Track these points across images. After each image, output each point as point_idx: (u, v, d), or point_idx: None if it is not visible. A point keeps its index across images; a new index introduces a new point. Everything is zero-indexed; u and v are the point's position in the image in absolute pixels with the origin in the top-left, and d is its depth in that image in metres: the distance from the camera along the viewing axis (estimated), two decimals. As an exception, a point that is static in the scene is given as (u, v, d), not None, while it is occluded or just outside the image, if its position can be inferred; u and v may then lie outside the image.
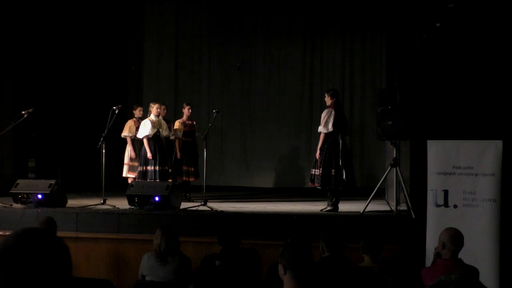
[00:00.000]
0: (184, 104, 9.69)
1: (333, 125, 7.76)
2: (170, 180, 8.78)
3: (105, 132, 8.25)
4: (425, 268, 4.83)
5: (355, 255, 5.30)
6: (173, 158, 9.44)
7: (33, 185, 8.04)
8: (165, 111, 9.66)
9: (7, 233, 7.37)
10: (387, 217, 7.28)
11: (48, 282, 1.45)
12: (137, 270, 5.72)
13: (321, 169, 7.80)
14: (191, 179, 9.48)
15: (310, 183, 8.14)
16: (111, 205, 7.92)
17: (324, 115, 7.89)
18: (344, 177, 7.79)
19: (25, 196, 7.81)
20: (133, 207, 7.69)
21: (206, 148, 8.31)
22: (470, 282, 1.47)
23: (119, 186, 9.78)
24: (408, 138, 7.98)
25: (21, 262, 1.45)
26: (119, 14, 12.22)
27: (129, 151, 9.46)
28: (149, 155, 8.88)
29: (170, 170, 9.24)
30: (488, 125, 7.58)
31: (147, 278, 5.51)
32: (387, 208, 7.55)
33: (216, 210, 7.66)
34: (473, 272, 4.33)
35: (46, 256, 1.48)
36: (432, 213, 6.08)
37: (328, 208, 7.80)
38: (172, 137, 9.44)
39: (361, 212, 7.36)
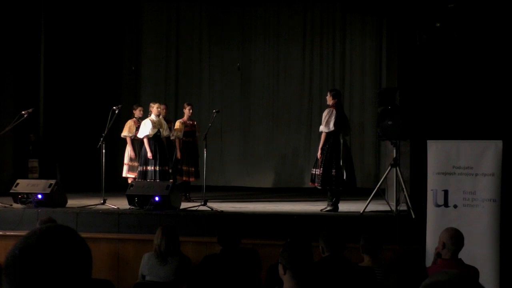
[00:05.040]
0: (185, 104, 9.68)
1: (335, 124, 7.75)
2: (170, 180, 8.78)
3: (105, 132, 8.25)
4: (429, 267, 4.81)
5: (355, 255, 5.30)
6: (173, 158, 9.44)
7: (33, 185, 8.03)
8: (165, 111, 9.66)
9: (7, 233, 7.34)
10: (387, 217, 7.27)
11: (68, 283, 1.40)
12: (137, 270, 5.73)
13: (321, 169, 7.79)
14: (192, 179, 9.48)
15: (310, 183, 8.14)
16: (111, 205, 7.92)
17: (325, 114, 7.87)
18: (344, 177, 7.79)
19: (25, 196, 7.80)
20: (133, 207, 7.68)
21: (206, 148, 8.31)
22: (466, 281, 1.45)
23: (119, 186, 9.78)
24: (408, 138, 7.98)
25: (43, 262, 1.39)
26: (118, 14, 12.22)
27: (128, 151, 9.46)
28: (149, 155, 8.88)
29: (170, 170, 9.24)
30: (488, 125, 7.58)
31: (147, 278, 5.51)
32: (387, 208, 7.54)
33: (216, 210, 7.66)
34: (473, 272, 4.33)
35: (69, 257, 1.42)
36: (432, 213, 6.08)
37: (328, 208, 7.80)
38: (172, 137, 9.44)
39: (361, 212, 7.36)
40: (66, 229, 1.49)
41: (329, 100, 8.00)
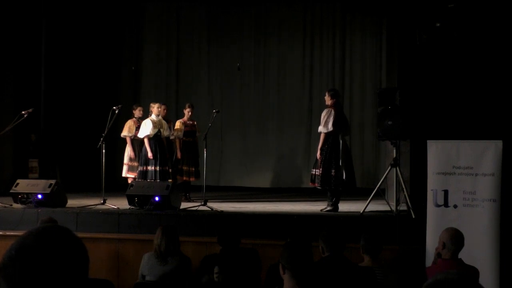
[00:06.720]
0: (186, 105, 9.69)
1: (333, 124, 7.75)
2: (170, 180, 8.78)
3: (105, 132, 8.24)
4: (428, 267, 4.82)
5: (355, 255, 5.30)
6: (174, 158, 9.44)
7: (33, 185, 8.03)
8: (165, 111, 9.65)
9: (7, 233, 7.35)
10: (387, 217, 7.27)
11: (65, 283, 1.40)
12: (137, 270, 5.73)
13: (321, 169, 7.78)
14: (192, 179, 9.48)
15: (310, 183, 8.14)
16: (111, 205, 7.92)
17: (323, 115, 7.87)
18: (344, 177, 7.79)
19: (25, 196, 7.80)
20: (133, 207, 7.68)
21: (206, 148, 8.31)
22: (466, 281, 1.46)
23: (119, 186, 9.78)
24: (408, 138, 7.98)
25: (40, 262, 1.38)
26: (119, 14, 12.23)
27: (128, 151, 9.46)
28: (149, 155, 8.88)
29: (170, 170, 9.24)
30: (488, 125, 7.58)
31: (147, 278, 5.52)
32: (387, 208, 7.54)
33: (216, 210, 7.66)
34: (473, 272, 4.33)
35: (66, 257, 1.42)
36: (432, 213, 6.08)
37: (328, 208, 7.80)
38: (172, 137, 9.45)
39: (361, 212, 7.36)
40: (62, 229, 1.48)
41: (328, 100, 7.99)
